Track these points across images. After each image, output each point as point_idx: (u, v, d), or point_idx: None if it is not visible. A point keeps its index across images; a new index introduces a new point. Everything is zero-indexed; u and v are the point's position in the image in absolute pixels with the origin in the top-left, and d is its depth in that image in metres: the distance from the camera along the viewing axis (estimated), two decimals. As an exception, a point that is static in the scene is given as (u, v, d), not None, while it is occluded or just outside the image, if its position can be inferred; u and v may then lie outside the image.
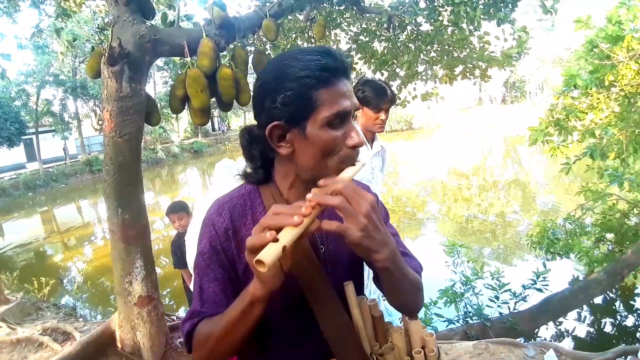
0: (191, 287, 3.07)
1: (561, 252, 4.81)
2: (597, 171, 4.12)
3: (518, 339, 3.56)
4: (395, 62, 4.86)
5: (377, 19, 4.50)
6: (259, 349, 0.99)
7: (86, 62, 2.82)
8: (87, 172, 24.07)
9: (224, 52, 2.87)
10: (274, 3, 3.11)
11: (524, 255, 7.15)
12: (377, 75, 5.21)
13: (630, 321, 5.16)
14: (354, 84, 2.53)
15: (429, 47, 4.66)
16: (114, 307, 3.47)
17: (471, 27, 4.08)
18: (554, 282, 4.37)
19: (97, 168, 23.19)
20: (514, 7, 3.78)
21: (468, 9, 3.59)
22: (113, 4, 2.55)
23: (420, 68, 5.06)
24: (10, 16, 5.06)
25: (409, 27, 4.36)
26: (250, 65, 3.02)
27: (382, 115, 2.57)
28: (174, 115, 25.22)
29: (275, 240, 0.69)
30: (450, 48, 4.69)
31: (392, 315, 2.77)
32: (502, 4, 3.69)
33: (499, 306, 4.28)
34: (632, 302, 5.45)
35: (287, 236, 0.70)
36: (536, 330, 4.52)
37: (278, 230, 0.71)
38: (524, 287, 4.33)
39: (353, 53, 5.10)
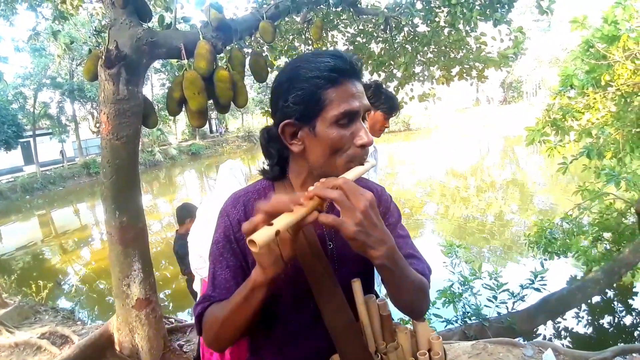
0: (194, 288, 3.07)
1: (559, 252, 4.82)
2: (594, 171, 4.14)
3: (516, 339, 3.57)
4: (392, 63, 4.87)
5: (374, 21, 4.52)
6: (267, 337, 1.02)
7: (83, 65, 2.82)
8: (85, 175, 24.01)
9: (221, 54, 2.87)
10: (270, 5, 3.11)
11: (522, 255, 7.16)
12: (375, 77, 5.23)
13: (628, 320, 5.17)
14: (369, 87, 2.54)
15: (425, 48, 4.67)
16: (112, 310, 3.46)
17: (468, 28, 4.09)
18: (552, 281, 4.37)
19: (94, 171, 23.12)
20: (510, 8, 3.80)
21: (464, 10, 3.60)
22: (110, 7, 2.55)
23: (417, 69, 5.08)
24: (8, 19, 5.06)
25: (405, 29, 4.37)
26: (247, 67, 3.02)
27: (387, 123, 2.59)
28: (172, 118, 25.18)
29: (270, 224, 0.72)
30: (447, 49, 4.71)
31: None
32: (498, 5, 3.70)
33: (497, 306, 4.28)
34: (630, 301, 5.46)
35: (281, 222, 0.73)
36: (534, 329, 4.53)
37: (275, 216, 0.74)
38: (522, 287, 4.33)
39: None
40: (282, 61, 5.28)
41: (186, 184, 23.42)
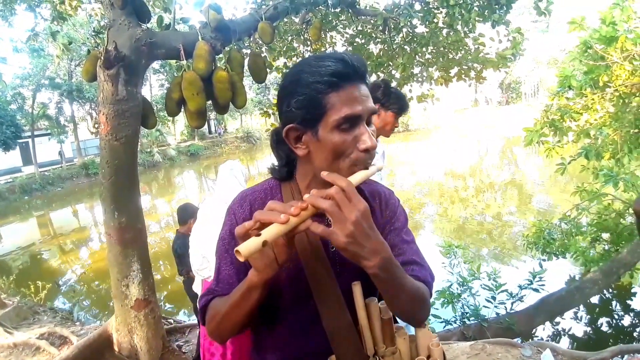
0: (194, 289, 3.07)
1: (557, 252, 4.82)
2: (592, 171, 4.15)
3: (515, 339, 3.57)
4: (391, 64, 4.88)
5: (372, 22, 4.53)
6: (270, 333, 1.04)
7: (82, 66, 2.82)
8: (84, 176, 23.98)
9: (220, 55, 2.87)
10: (269, 6, 3.12)
11: (521, 256, 7.16)
12: (373, 77, 5.23)
13: (626, 320, 5.18)
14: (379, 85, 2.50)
15: (424, 49, 4.68)
16: (111, 311, 3.46)
17: (466, 29, 4.10)
18: (550, 282, 4.38)
19: (93, 171, 23.09)
20: (508, 9, 3.81)
21: (463, 11, 3.61)
22: (109, 7, 2.55)
23: (416, 70, 5.08)
24: (6, 19, 5.06)
25: (404, 30, 4.38)
26: (246, 67, 3.02)
27: (397, 123, 2.54)
28: (170, 118, 25.19)
29: (258, 234, 0.73)
30: (446, 50, 4.71)
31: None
32: (496, 6, 3.71)
33: (495, 306, 4.29)
34: (628, 302, 5.47)
35: (270, 232, 0.74)
36: (533, 330, 4.53)
37: (268, 224, 0.76)
38: (520, 287, 4.34)
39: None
40: (280, 62, 5.28)
41: (185, 185, 23.40)
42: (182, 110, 2.78)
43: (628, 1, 3.51)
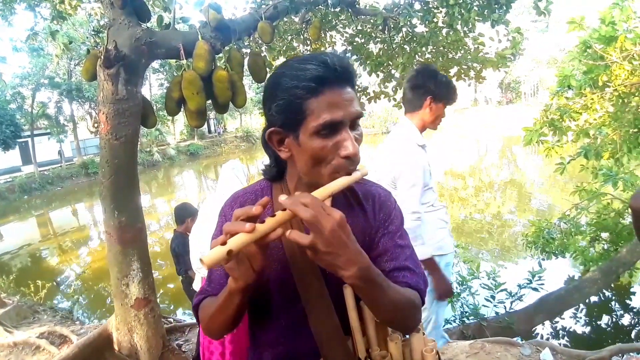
0: (195, 287, 3.08)
1: (556, 252, 4.83)
2: (591, 171, 4.15)
3: (514, 338, 3.58)
4: (391, 63, 4.88)
5: (372, 21, 4.53)
6: (264, 332, 1.05)
7: (82, 65, 2.82)
8: (83, 175, 23.99)
9: (220, 55, 2.87)
10: (269, 5, 3.12)
11: (520, 255, 7.17)
12: (373, 77, 5.24)
13: (625, 320, 5.19)
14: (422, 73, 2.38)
15: (423, 49, 4.68)
16: (111, 310, 3.46)
17: (466, 29, 4.11)
18: (549, 281, 4.39)
19: (92, 171, 23.09)
20: (508, 9, 3.81)
21: (462, 11, 3.61)
22: (109, 7, 2.55)
23: (416, 69, 5.08)
24: (6, 19, 5.06)
25: (404, 29, 4.38)
26: (245, 67, 3.02)
27: (444, 113, 2.43)
28: (170, 118, 25.22)
29: (224, 243, 0.72)
30: (445, 49, 4.72)
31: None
32: (496, 6, 3.71)
33: (495, 306, 4.30)
34: (627, 301, 5.48)
35: (235, 241, 0.72)
36: (532, 329, 4.54)
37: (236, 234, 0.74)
38: (519, 286, 4.35)
39: (349, 55, 5.12)
40: (280, 61, 5.28)
41: (184, 184, 23.41)
42: (182, 109, 2.79)
43: (627, 1, 3.51)
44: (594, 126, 4.11)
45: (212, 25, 2.71)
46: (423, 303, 1.00)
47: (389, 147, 2.40)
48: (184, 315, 5.83)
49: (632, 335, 4.79)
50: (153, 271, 3.17)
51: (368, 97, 5.41)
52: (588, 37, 3.74)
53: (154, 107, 3.01)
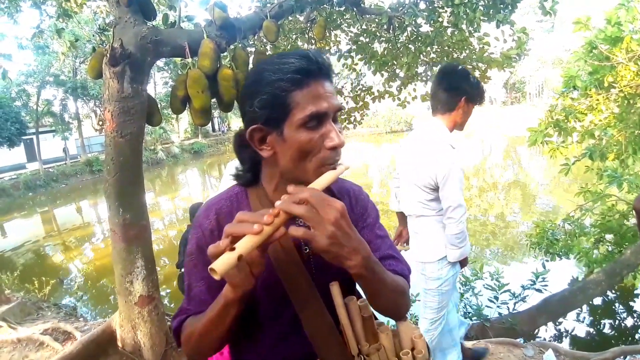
0: None
1: (560, 253, 4.81)
2: (596, 172, 4.13)
3: (517, 339, 3.57)
4: (395, 63, 4.87)
5: (377, 20, 4.52)
6: (250, 343, 1.01)
7: (87, 63, 2.84)
8: (88, 173, 24.07)
9: (225, 53, 2.88)
10: (274, 4, 3.12)
11: (524, 256, 7.15)
12: (377, 76, 5.23)
13: (629, 322, 5.17)
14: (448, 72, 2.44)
15: (428, 48, 4.67)
16: (115, 307, 3.48)
17: (471, 29, 4.10)
18: (553, 282, 4.38)
19: (97, 168, 23.21)
20: (513, 9, 3.80)
21: (468, 10, 3.60)
22: (114, 5, 2.56)
23: (420, 69, 5.08)
24: (11, 17, 5.08)
25: (408, 28, 4.37)
26: (250, 66, 3.02)
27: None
28: (175, 116, 25.24)
29: (232, 249, 0.70)
30: (450, 49, 4.71)
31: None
32: (501, 5, 3.70)
33: (498, 306, 4.29)
34: (631, 303, 5.46)
35: (245, 245, 0.70)
36: (535, 330, 4.53)
37: (240, 237, 0.72)
38: (523, 287, 4.34)
39: (353, 54, 5.12)
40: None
41: (188, 183, 23.46)
42: (187, 108, 2.79)
43: (633, 2, 3.50)
44: (599, 127, 4.09)
45: (218, 23, 2.71)
46: (409, 288, 1.02)
47: (425, 149, 2.38)
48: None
49: (636, 337, 4.77)
50: (157, 268, 3.18)
51: (372, 96, 5.41)
52: (594, 38, 3.73)
53: (159, 105, 3.02)
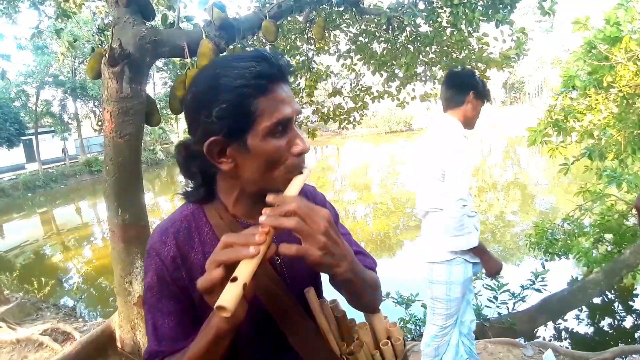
0: None
1: (560, 253, 4.81)
2: (595, 172, 4.13)
3: (517, 339, 3.58)
4: (394, 63, 4.87)
5: (376, 20, 4.53)
6: None
7: (86, 63, 2.83)
8: (87, 173, 24.07)
9: (224, 53, 2.88)
10: (273, 4, 3.12)
11: (523, 256, 7.16)
12: (377, 76, 5.24)
13: (628, 321, 5.17)
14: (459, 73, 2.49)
15: (427, 48, 4.67)
16: (114, 308, 3.47)
17: (470, 29, 4.10)
18: (552, 282, 4.38)
19: (96, 169, 23.20)
20: (512, 9, 3.80)
21: (467, 10, 3.60)
22: (113, 5, 2.56)
23: (419, 69, 5.08)
24: (10, 17, 5.08)
25: (408, 29, 4.38)
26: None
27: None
28: (174, 116, 25.19)
29: (234, 279, 0.64)
30: (449, 49, 4.71)
31: None
32: (500, 6, 3.70)
33: (497, 306, 4.29)
34: (630, 303, 5.46)
35: (246, 271, 0.65)
36: (535, 330, 4.53)
37: (234, 264, 0.67)
38: (522, 287, 4.34)
39: (352, 54, 5.12)
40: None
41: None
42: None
43: (632, 2, 3.50)
44: (598, 127, 4.09)
45: (217, 24, 2.71)
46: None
47: (437, 140, 2.38)
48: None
49: (635, 337, 4.77)
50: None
51: (372, 96, 5.41)
52: (593, 38, 3.73)
53: (158, 106, 3.02)
